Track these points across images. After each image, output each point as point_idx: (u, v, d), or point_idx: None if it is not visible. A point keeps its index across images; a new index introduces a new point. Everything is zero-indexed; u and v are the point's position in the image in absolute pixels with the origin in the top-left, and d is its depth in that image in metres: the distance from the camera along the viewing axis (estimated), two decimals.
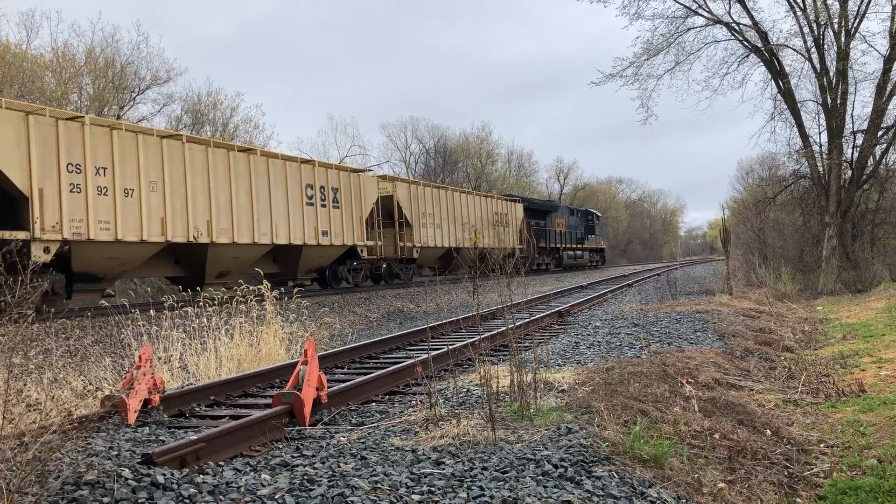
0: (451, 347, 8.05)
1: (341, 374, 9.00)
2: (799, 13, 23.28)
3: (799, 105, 24.22)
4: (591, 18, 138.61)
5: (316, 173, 20.78)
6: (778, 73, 24.09)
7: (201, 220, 16.55)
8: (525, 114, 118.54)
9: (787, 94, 23.94)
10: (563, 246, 43.67)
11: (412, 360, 8.37)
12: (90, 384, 6.98)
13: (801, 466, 5.55)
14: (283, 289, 12.57)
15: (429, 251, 27.46)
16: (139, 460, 4.53)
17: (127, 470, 4.19)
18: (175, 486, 4.11)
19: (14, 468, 3.44)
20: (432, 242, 27.28)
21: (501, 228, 33.17)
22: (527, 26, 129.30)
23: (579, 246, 46.82)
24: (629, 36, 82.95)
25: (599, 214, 54.70)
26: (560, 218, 43.70)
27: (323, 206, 20.89)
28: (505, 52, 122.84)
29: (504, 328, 9.33)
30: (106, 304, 10.20)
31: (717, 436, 5.65)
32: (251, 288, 10.96)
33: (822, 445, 6.13)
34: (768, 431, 6.19)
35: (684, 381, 7.29)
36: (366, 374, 8.37)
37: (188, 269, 17.52)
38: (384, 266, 25.00)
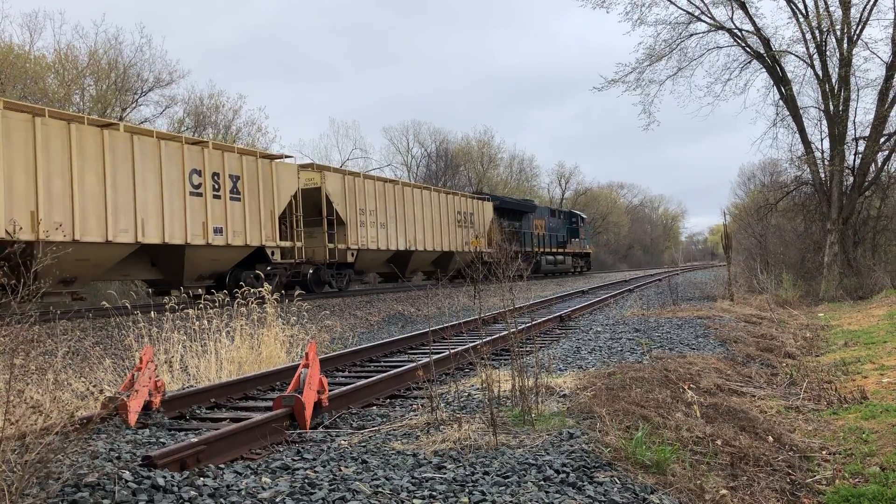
0: (452, 351, 8.03)
1: (342, 377, 8.99)
2: (801, 20, 23.30)
3: (801, 111, 24.22)
4: (592, 26, 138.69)
5: (208, 157, 16.73)
6: (780, 79, 24.10)
7: (21, 211, 12.69)
8: (526, 119, 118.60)
9: (790, 101, 23.94)
10: (542, 250, 40.37)
11: (413, 364, 8.35)
12: (93, 386, 6.96)
13: (803, 473, 5.53)
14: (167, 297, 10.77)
15: (370, 255, 23.71)
16: (140, 462, 4.51)
17: (127, 472, 4.17)
18: (175, 489, 4.10)
19: (15, 470, 3.43)
20: (374, 244, 23.59)
21: (465, 230, 29.99)
22: (528, 33, 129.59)
23: (560, 250, 43.56)
24: (629, 44, 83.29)
25: (584, 217, 52.03)
26: (538, 219, 40.46)
27: (216, 196, 16.80)
28: (506, 58, 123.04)
29: (505, 332, 9.32)
30: (107, 304, 10.18)
31: (719, 442, 5.64)
32: (252, 290, 10.97)
33: (824, 452, 6.11)
34: (770, 438, 6.17)
35: (686, 387, 7.27)
36: (367, 377, 8.36)
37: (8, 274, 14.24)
38: (310, 272, 21.38)
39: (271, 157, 19.43)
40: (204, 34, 79.62)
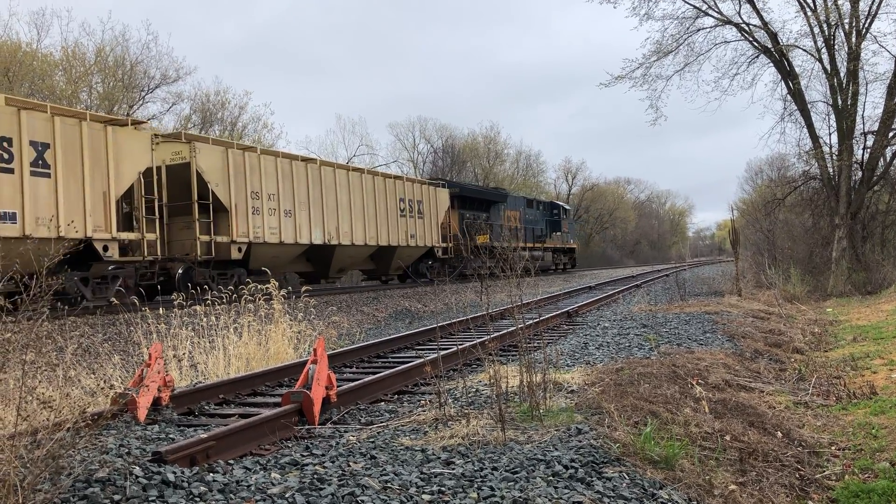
0: (460, 347, 8.04)
1: (350, 373, 9.01)
2: (809, 13, 23.18)
3: (809, 106, 24.13)
4: (595, 24, 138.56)
5: None
6: (788, 73, 23.99)
7: None
8: (531, 115, 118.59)
9: (797, 95, 23.84)
10: (516, 245, 35.81)
11: (421, 360, 8.37)
12: (104, 382, 6.99)
13: (812, 469, 5.52)
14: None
15: (270, 250, 19.03)
16: (150, 458, 4.53)
17: (138, 468, 4.20)
18: (185, 485, 4.11)
19: (27, 465, 3.45)
20: (276, 237, 18.93)
21: (412, 220, 25.71)
22: (531, 31, 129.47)
23: (539, 245, 38.98)
24: (633, 41, 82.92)
25: (568, 208, 47.37)
26: (512, 210, 36.22)
27: (5, 170, 12.47)
28: (510, 55, 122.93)
29: (513, 328, 9.33)
30: (115, 301, 10.21)
31: (727, 437, 5.63)
32: (259, 287, 10.99)
33: (833, 448, 6.09)
34: (779, 433, 6.16)
35: (694, 383, 7.26)
36: (375, 373, 8.37)
37: None
38: (179, 272, 16.92)
39: (108, 122, 14.79)
40: (210, 34, 79.82)
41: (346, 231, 21.80)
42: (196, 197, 16.71)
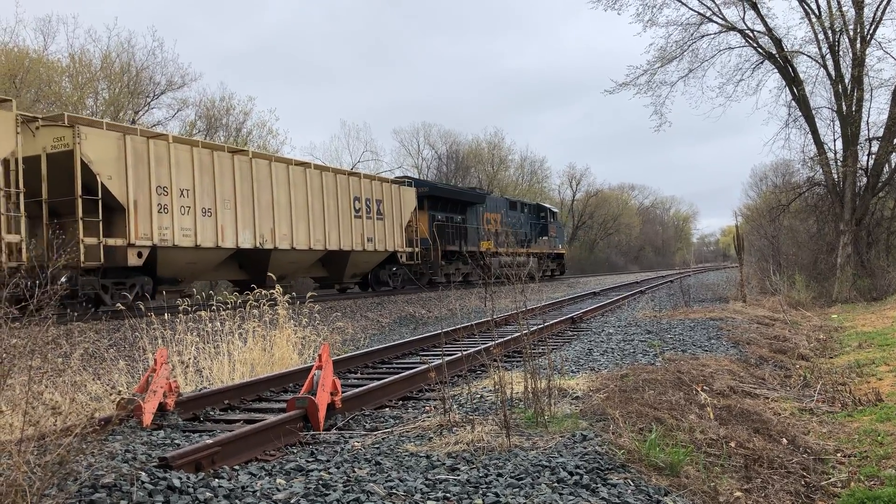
0: (464, 353, 8.03)
1: (354, 378, 9.02)
2: (814, 20, 23.19)
3: (813, 112, 24.10)
4: (601, 31, 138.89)
5: None
6: (792, 79, 23.99)
7: None
8: (535, 121, 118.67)
9: (802, 101, 23.83)
10: (497, 251, 33.51)
11: (426, 366, 8.36)
12: (113, 388, 7.01)
13: (818, 476, 5.50)
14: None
15: (185, 255, 16.26)
16: (155, 464, 4.54)
17: (143, 473, 4.21)
18: (191, 490, 4.12)
19: (35, 471, 3.46)
20: (190, 239, 16.14)
21: (371, 222, 23.09)
22: (537, 37, 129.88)
23: (522, 251, 35.63)
24: (638, 48, 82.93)
25: (556, 210, 43.72)
26: (492, 213, 33.53)
27: None
28: (515, 62, 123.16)
29: (517, 334, 9.32)
30: (122, 307, 10.24)
31: (732, 444, 5.62)
32: (263, 292, 11.01)
33: (839, 455, 6.08)
34: (784, 440, 6.15)
35: (699, 389, 7.25)
36: (379, 379, 8.38)
37: None
38: (62, 281, 13.06)
39: None
40: (215, 41, 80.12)
41: (284, 233, 18.95)
42: (80, 191, 13.98)
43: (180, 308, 10.42)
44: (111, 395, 6.64)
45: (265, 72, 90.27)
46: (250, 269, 18.74)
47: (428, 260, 27.15)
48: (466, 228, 30.30)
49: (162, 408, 6.41)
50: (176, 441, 5.62)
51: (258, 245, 18.07)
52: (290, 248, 19.40)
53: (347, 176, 22.69)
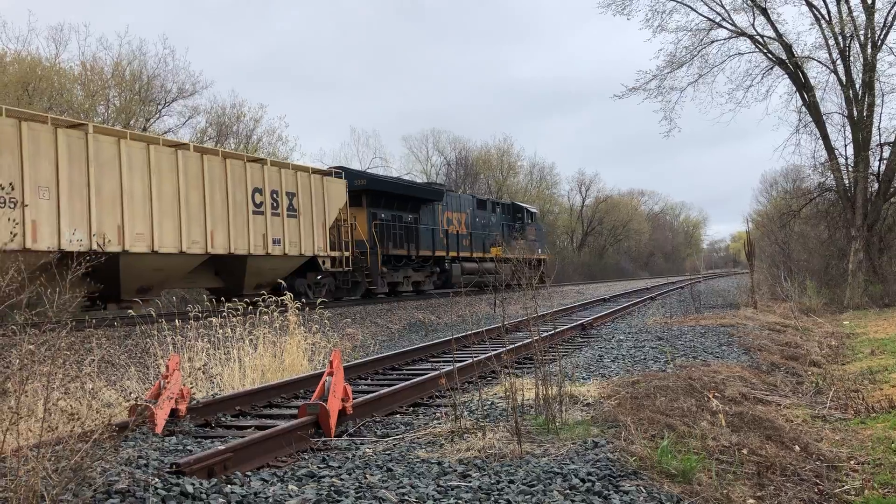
0: (475, 359, 8.03)
1: (365, 384, 9.03)
2: (824, 25, 23.12)
3: (824, 117, 24.00)
4: (607, 40, 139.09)
5: None
6: (802, 85, 23.91)
7: None
8: (544, 129, 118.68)
9: (812, 107, 23.74)
10: (458, 255, 28.43)
11: (436, 372, 8.37)
12: (130, 394, 7.05)
13: (831, 483, 5.47)
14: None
15: None
16: (168, 469, 4.56)
17: (157, 479, 4.23)
18: (204, 496, 4.14)
19: (51, 476, 3.49)
20: None
21: (279, 220, 18.66)
22: (545, 46, 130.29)
23: (491, 255, 31.34)
24: (646, 55, 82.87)
25: (534, 211, 38.56)
26: (454, 212, 28.85)
27: None
28: (523, 70, 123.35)
29: (528, 340, 9.31)
30: (133, 313, 10.29)
31: (745, 451, 5.59)
32: (275, 298, 11.04)
33: (852, 462, 6.04)
34: (797, 447, 6.11)
35: (711, 396, 7.23)
36: (390, 385, 8.38)
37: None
38: None
39: None
40: (226, 51, 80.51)
41: (140, 232, 14.56)
42: None
43: (191, 314, 10.49)
44: (128, 400, 6.66)
45: (275, 80, 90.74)
46: (95, 279, 12.32)
47: (365, 266, 22.80)
48: (418, 229, 25.85)
49: (174, 414, 6.43)
50: (188, 447, 5.64)
51: (98, 246, 13.58)
52: (151, 252, 14.90)
53: (245, 162, 17.83)
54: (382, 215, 23.97)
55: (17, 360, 3.96)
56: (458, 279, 27.57)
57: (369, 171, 37.20)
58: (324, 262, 20.47)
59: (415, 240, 25.42)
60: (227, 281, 18.00)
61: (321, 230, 20.28)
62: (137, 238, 14.64)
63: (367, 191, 23.59)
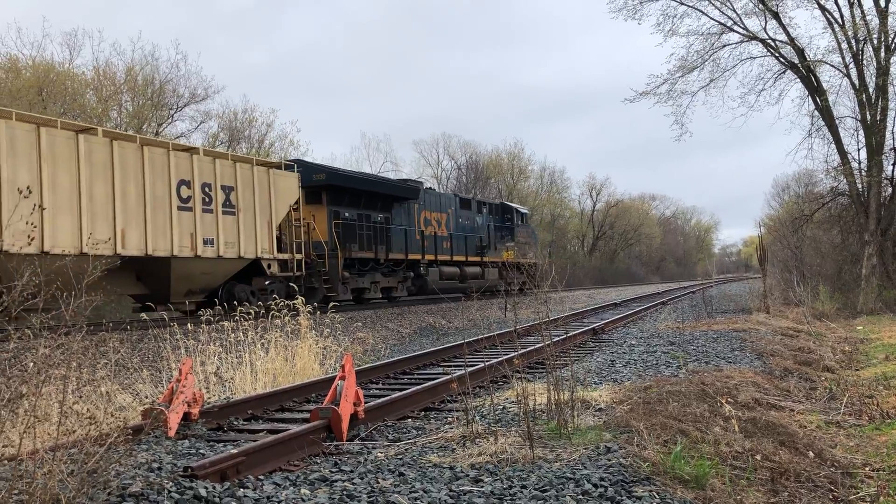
0: (486, 364, 8.02)
1: (376, 389, 9.04)
2: (837, 29, 23.01)
3: (837, 121, 23.88)
4: (617, 46, 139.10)
5: None
6: (815, 89, 23.80)
7: None
8: (554, 133, 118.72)
9: (825, 111, 23.62)
10: (437, 258, 26.00)
11: (448, 377, 8.36)
12: (136, 397, 7.08)
13: (846, 490, 5.43)
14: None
15: None
16: (181, 473, 4.58)
17: (170, 483, 4.24)
18: (217, 500, 4.15)
19: (68, 480, 3.51)
20: None
21: (213, 217, 16.16)
22: (554, 51, 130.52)
23: (476, 259, 28.87)
24: (656, 60, 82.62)
25: (525, 211, 35.87)
26: (434, 212, 26.43)
27: None
28: (533, 75, 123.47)
29: (539, 345, 9.30)
30: (146, 317, 10.34)
31: (758, 457, 5.56)
32: (287, 302, 11.07)
33: (867, 469, 5.99)
34: (811, 453, 6.07)
35: (723, 401, 7.19)
36: (401, 389, 8.39)
37: None
38: None
39: None
40: (236, 58, 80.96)
41: (24, 230, 10.88)
42: None
43: (203, 318, 10.53)
44: (143, 404, 6.69)
45: (286, 86, 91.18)
46: None
47: (324, 270, 20.18)
48: (390, 230, 23.42)
49: (187, 417, 6.45)
50: (201, 451, 5.66)
51: None
52: (40, 252, 12.43)
53: (168, 150, 15.45)
54: (346, 214, 21.58)
55: (32, 364, 3.99)
56: (436, 285, 25.02)
57: (359, 171, 33.72)
58: (269, 266, 17.98)
59: (385, 241, 22.97)
60: (151, 287, 15.69)
61: (267, 230, 17.83)
62: (18, 237, 11.15)
63: (328, 186, 21.05)
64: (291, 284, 16.06)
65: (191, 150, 16.47)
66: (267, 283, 18.24)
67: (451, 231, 27.28)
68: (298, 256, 18.97)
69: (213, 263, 16.42)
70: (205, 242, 16.01)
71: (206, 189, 16.15)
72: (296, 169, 19.23)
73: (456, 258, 27.29)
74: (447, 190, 34.82)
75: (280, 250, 18.38)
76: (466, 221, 28.78)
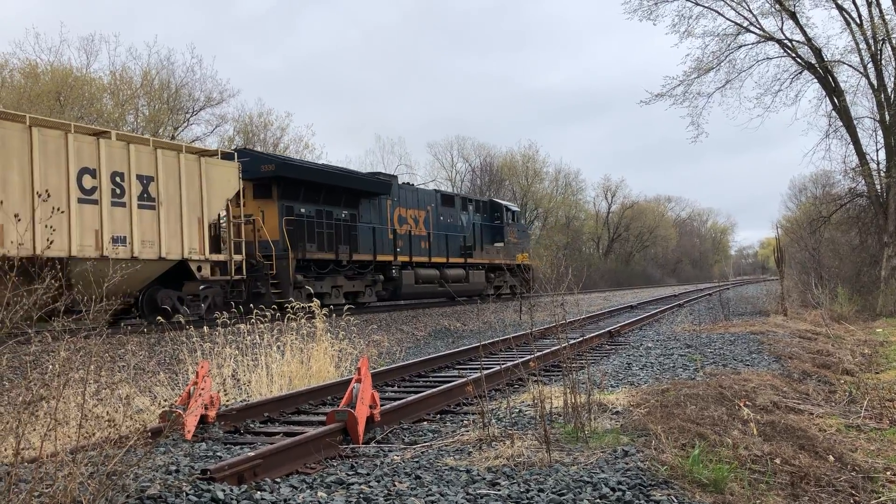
0: (502, 367, 8.00)
1: (392, 391, 9.04)
2: (855, 29, 22.83)
3: (855, 122, 23.71)
4: (631, 49, 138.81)
5: None
6: (833, 89, 23.62)
7: None
8: (568, 136, 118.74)
9: (843, 111, 23.43)
10: (412, 259, 23.56)
11: (463, 379, 8.35)
12: (165, 400, 7.12)
13: (867, 494, 5.37)
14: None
15: None
16: (198, 475, 4.59)
17: (187, 485, 4.26)
18: (234, 503, 4.16)
19: (86, 482, 3.52)
20: None
21: (123, 211, 13.94)
22: (567, 54, 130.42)
23: (459, 260, 26.29)
24: (668, 62, 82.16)
25: (516, 209, 32.72)
26: (411, 209, 24.13)
27: None
28: (547, 78, 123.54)
29: (555, 347, 9.26)
30: (162, 321, 10.40)
31: (777, 460, 5.51)
32: (302, 305, 11.10)
33: (888, 473, 5.92)
34: (831, 457, 6.01)
35: (741, 404, 7.13)
36: (417, 392, 8.38)
37: None
38: None
39: None
40: (251, 64, 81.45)
41: None
42: None
43: (219, 321, 10.58)
44: (162, 407, 6.73)
45: (301, 90, 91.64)
46: None
47: (269, 273, 17.69)
48: (356, 228, 21.11)
49: (203, 420, 6.48)
50: (218, 453, 5.67)
51: None
52: None
53: (67, 133, 13.24)
54: (302, 210, 19.32)
55: (52, 366, 4.02)
56: (411, 289, 23.31)
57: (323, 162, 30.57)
58: (199, 269, 15.61)
59: (350, 241, 20.60)
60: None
61: (197, 227, 15.50)
62: None
63: (279, 179, 18.69)
64: (241, 289, 14.88)
65: (99, 134, 14.15)
66: (202, 287, 15.97)
67: (430, 230, 24.88)
68: (238, 257, 16.57)
69: (127, 266, 13.17)
70: (114, 241, 13.73)
71: (118, 179, 13.93)
72: (237, 158, 17.03)
73: (435, 259, 24.88)
74: (425, 185, 31.33)
75: (218, 251, 16.34)
76: (449, 220, 26.48)
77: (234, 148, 19.71)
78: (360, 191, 21.64)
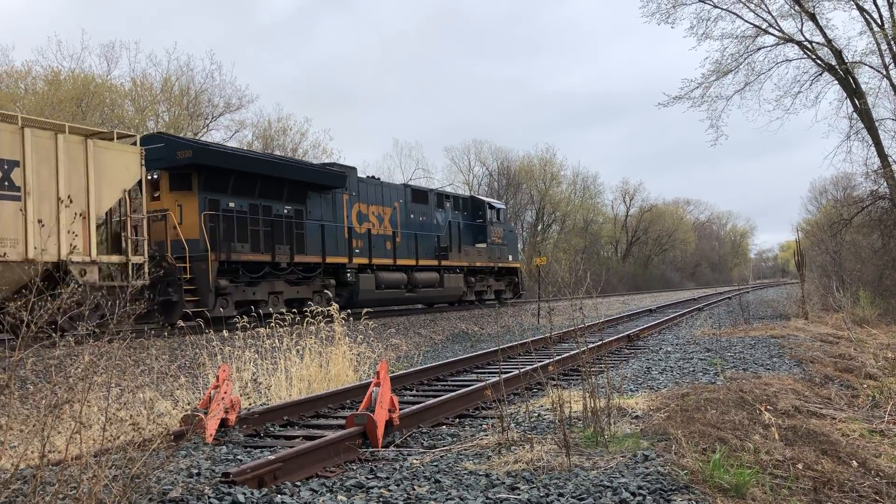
0: (521, 371, 7.99)
1: (410, 395, 9.05)
2: (875, 30, 22.58)
3: (877, 124, 23.42)
4: (647, 53, 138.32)
5: None
6: (853, 91, 23.38)
7: None
8: (584, 140, 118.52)
9: (864, 113, 23.18)
10: (371, 261, 20.87)
11: (482, 383, 8.35)
12: (188, 404, 7.18)
13: (892, 500, 5.31)
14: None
15: None
16: (220, 479, 4.62)
17: (209, 488, 4.29)
18: None
19: (110, 484, 3.56)
20: None
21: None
22: (584, 58, 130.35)
23: (433, 263, 23.75)
24: (685, 65, 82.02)
25: (500, 206, 29.76)
26: (373, 205, 21.54)
27: None
28: (562, 82, 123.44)
29: (574, 351, 9.24)
30: (182, 324, 10.47)
31: (800, 466, 5.46)
32: (320, 309, 11.16)
33: None
34: (854, 462, 5.95)
35: (763, 409, 7.08)
36: (435, 396, 8.38)
37: None
38: None
39: None
40: (269, 70, 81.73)
41: None
42: None
43: (239, 325, 10.66)
44: (185, 410, 6.78)
45: (318, 96, 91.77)
46: None
47: (183, 278, 15.14)
48: (302, 225, 18.46)
49: (224, 423, 6.52)
50: (238, 457, 5.71)
51: None
52: None
53: None
54: (231, 204, 16.61)
55: (75, 370, 4.06)
56: (372, 295, 20.60)
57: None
58: (83, 273, 12.92)
59: (293, 240, 17.93)
60: None
61: (82, 223, 12.94)
62: None
63: (200, 167, 15.98)
64: (146, 297, 11.81)
65: None
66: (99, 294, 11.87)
67: (397, 228, 22.23)
68: (137, 259, 13.93)
69: None
70: None
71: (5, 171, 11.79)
72: (139, 143, 14.60)
73: (402, 262, 22.20)
74: (393, 181, 27.98)
75: (118, 251, 14.18)
76: (422, 218, 23.76)
77: (145, 134, 17.13)
78: (308, 183, 18.80)
